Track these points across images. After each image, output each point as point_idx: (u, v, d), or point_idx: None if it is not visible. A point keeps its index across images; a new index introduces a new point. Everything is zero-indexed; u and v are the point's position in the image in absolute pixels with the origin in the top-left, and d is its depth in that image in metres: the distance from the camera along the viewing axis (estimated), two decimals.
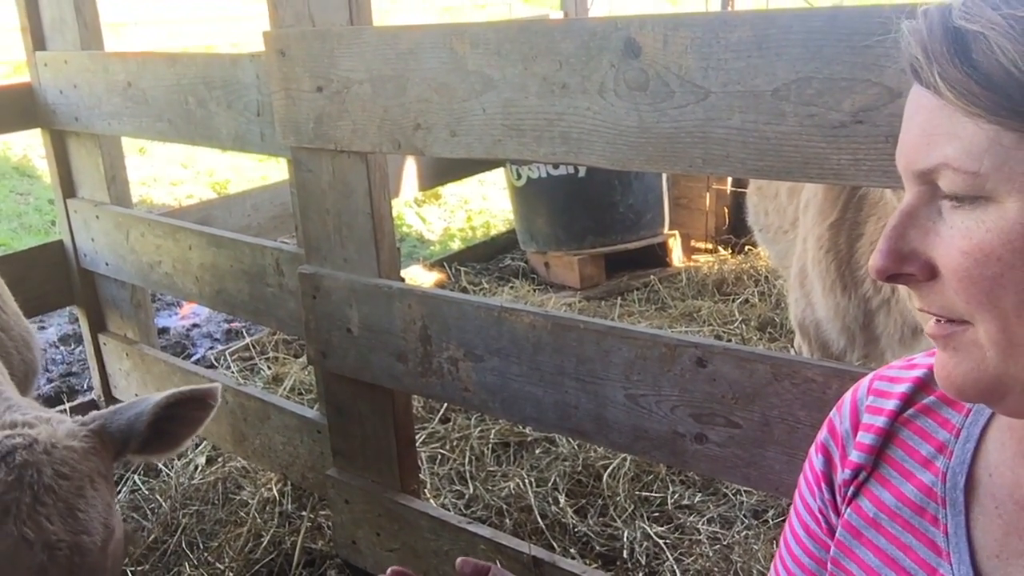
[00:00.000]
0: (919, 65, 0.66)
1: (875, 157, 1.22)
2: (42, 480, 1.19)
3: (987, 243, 0.64)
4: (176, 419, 1.40)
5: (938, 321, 0.71)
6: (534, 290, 4.36)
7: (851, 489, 0.87)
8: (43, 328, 4.29)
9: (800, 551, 0.95)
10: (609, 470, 2.68)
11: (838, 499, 0.90)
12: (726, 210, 4.70)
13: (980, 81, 0.62)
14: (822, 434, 0.93)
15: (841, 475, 0.89)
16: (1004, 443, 0.78)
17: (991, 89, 0.61)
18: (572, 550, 2.39)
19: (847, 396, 0.92)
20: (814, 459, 0.93)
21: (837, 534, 0.88)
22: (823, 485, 0.92)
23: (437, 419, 3.03)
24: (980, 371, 0.68)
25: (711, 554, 2.34)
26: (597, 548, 2.41)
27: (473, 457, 2.81)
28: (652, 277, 4.35)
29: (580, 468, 2.71)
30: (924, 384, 0.86)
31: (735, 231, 4.59)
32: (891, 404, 0.86)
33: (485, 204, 6.37)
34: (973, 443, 0.80)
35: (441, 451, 2.85)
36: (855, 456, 0.87)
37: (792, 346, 2.96)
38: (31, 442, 1.23)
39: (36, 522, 1.15)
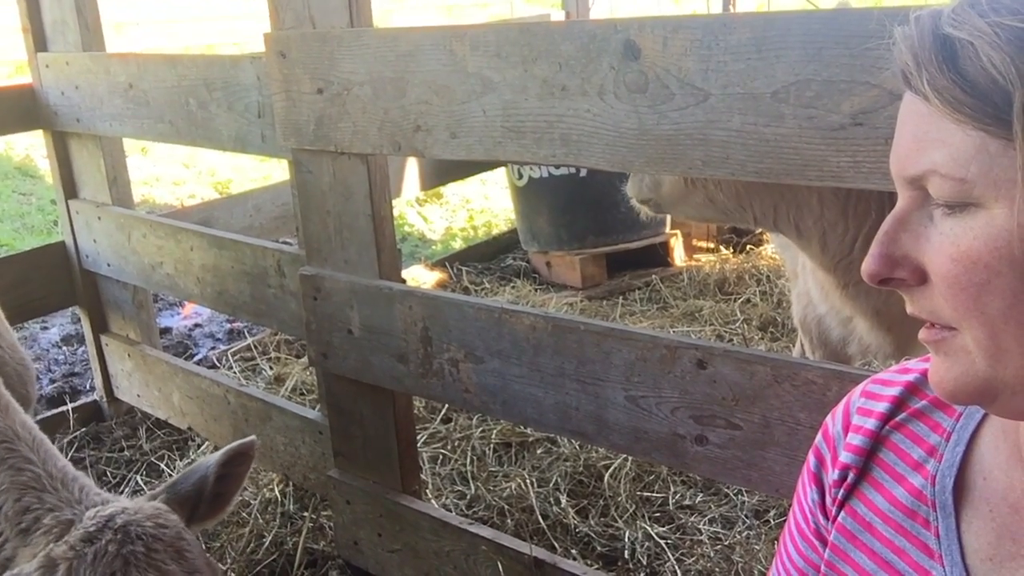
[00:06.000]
0: (909, 71, 0.66)
1: (874, 159, 1.22)
2: (146, 532, 1.31)
3: (974, 250, 0.64)
4: (223, 478, 1.49)
5: (929, 326, 0.71)
6: (535, 290, 4.36)
7: (841, 491, 0.88)
8: (45, 328, 4.30)
9: (795, 552, 0.96)
10: (610, 470, 2.68)
11: (828, 500, 0.91)
12: None
13: (966, 88, 0.62)
14: (817, 437, 0.95)
15: (831, 476, 0.90)
16: (998, 447, 0.78)
17: (977, 97, 0.61)
18: (573, 550, 2.39)
19: (843, 400, 0.93)
20: (809, 460, 0.95)
21: (831, 537, 0.89)
22: (814, 486, 0.93)
23: (439, 419, 3.04)
24: (970, 376, 0.68)
25: (712, 554, 2.35)
26: (598, 548, 2.41)
27: (474, 457, 2.82)
28: (654, 277, 4.34)
29: (581, 468, 2.71)
30: (916, 388, 0.86)
31: (736, 230, 4.58)
32: (881, 407, 0.87)
33: (487, 203, 6.37)
34: (963, 446, 0.81)
35: (442, 451, 2.86)
36: (844, 457, 0.88)
37: (794, 345, 2.96)
38: (123, 509, 1.36)
39: (156, 567, 1.28)
